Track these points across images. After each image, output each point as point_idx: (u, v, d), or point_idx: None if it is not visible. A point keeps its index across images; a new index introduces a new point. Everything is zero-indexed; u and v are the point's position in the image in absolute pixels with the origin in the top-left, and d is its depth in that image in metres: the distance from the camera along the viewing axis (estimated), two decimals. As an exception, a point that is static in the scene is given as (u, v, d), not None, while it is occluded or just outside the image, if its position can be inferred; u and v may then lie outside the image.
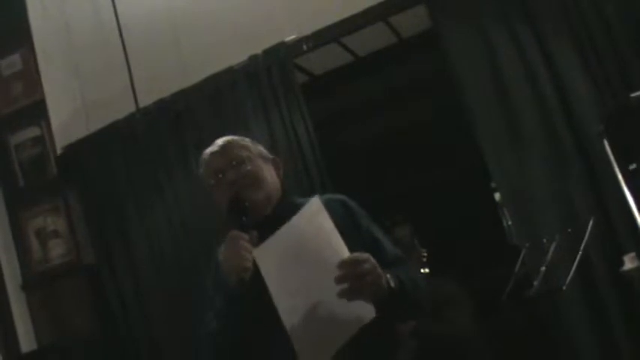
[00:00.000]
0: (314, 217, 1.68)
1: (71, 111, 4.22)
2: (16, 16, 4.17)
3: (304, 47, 3.68)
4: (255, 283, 1.64)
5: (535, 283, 2.42)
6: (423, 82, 4.37)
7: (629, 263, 2.71)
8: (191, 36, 3.95)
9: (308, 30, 3.65)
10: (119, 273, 3.97)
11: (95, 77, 4.20)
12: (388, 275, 1.66)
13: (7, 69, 4.22)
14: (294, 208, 1.71)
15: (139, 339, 3.88)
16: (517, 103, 3.18)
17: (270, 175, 1.90)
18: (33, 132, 4.12)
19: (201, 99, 3.83)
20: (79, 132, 4.12)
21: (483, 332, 3.47)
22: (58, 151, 4.09)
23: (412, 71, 4.41)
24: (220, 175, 1.86)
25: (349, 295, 1.57)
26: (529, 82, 3.16)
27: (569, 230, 2.62)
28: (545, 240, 2.58)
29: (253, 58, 3.71)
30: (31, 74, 4.14)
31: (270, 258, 1.64)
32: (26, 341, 3.97)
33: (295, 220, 1.67)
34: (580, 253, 2.45)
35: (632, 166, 2.57)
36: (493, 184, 3.58)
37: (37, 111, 4.10)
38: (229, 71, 3.77)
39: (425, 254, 3.55)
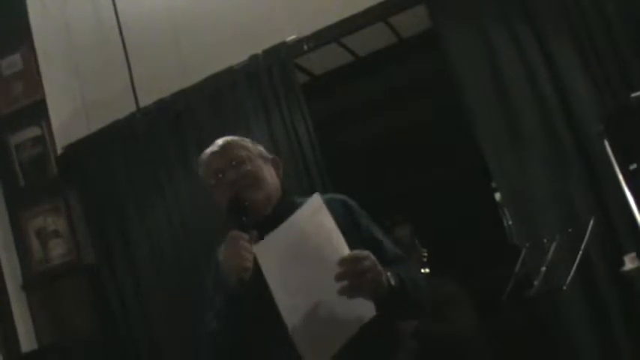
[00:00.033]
0: (314, 214, 1.68)
1: (71, 111, 4.23)
2: (16, 15, 4.18)
3: (304, 47, 3.68)
4: (255, 283, 1.64)
5: (535, 283, 2.42)
6: (423, 82, 4.37)
7: (629, 263, 2.72)
8: (191, 36, 3.95)
9: (308, 30, 3.65)
10: (119, 273, 3.97)
11: (95, 77, 4.20)
12: (388, 273, 1.66)
13: (8, 69, 4.22)
14: (294, 208, 1.71)
15: (139, 339, 3.88)
16: (517, 103, 3.18)
17: (270, 175, 1.90)
18: (33, 132, 4.12)
19: (201, 99, 3.83)
20: (80, 132, 4.12)
21: (483, 332, 3.47)
22: (59, 151, 4.09)
23: (412, 71, 4.41)
24: (220, 175, 1.86)
25: (349, 292, 1.58)
26: (529, 82, 3.16)
27: (570, 230, 2.62)
28: (545, 240, 2.58)
29: (253, 58, 3.71)
30: (31, 74, 4.14)
31: (270, 254, 1.64)
32: (26, 341, 3.97)
33: (296, 216, 1.67)
34: (580, 253, 2.44)
35: (633, 166, 2.57)
36: (493, 184, 3.58)
37: (38, 111, 4.11)
38: (229, 71, 3.77)
39: (425, 254, 3.55)
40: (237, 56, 3.75)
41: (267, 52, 3.69)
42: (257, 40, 3.72)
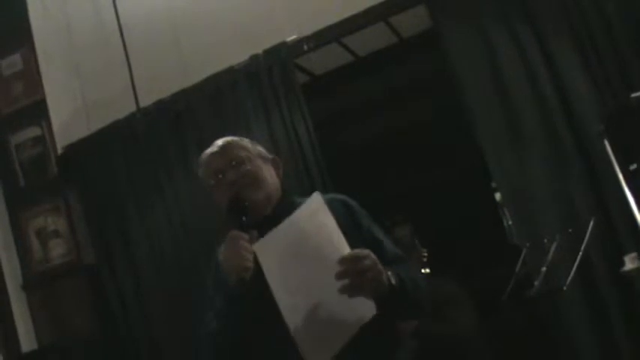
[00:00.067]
0: (315, 214, 1.68)
1: (72, 111, 4.23)
2: (16, 15, 4.18)
3: (305, 47, 3.69)
4: (255, 283, 1.64)
5: (535, 283, 2.42)
6: (424, 82, 4.37)
7: (629, 263, 2.71)
8: (192, 36, 3.95)
9: (308, 30, 3.66)
10: (119, 273, 3.97)
11: (96, 77, 4.20)
12: (389, 272, 1.66)
13: (8, 69, 4.22)
14: (294, 208, 1.71)
15: (139, 339, 3.88)
16: (517, 103, 3.18)
17: (269, 175, 1.90)
18: (33, 132, 4.12)
19: (201, 99, 3.83)
20: (80, 132, 4.13)
21: (484, 332, 3.47)
22: (59, 151, 4.09)
23: (412, 71, 4.41)
24: (220, 176, 1.86)
25: (350, 291, 1.58)
26: (529, 82, 3.16)
27: (570, 230, 2.61)
28: (545, 240, 2.58)
29: (254, 58, 3.71)
30: (31, 74, 4.14)
31: (270, 253, 1.64)
32: (26, 341, 3.97)
33: (296, 215, 1.67)
34: (580, 253, 2.44)
35: (633, 166, 2.57)
36: (493, 184, 3.58)
37: (38, 111, 4.11)
38: (230, 71, 3.77)
39: (425, 254, 3.55)
40: (237, 56, 3.75)
41: (268, 52, 3.69)
42: (257, 40, 3.72)
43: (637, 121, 2.64)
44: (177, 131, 3.89)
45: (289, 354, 1.59)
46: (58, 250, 4.01)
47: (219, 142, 1.93)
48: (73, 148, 4.10)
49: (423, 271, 3.46)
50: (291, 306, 1.61)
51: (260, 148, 1.96)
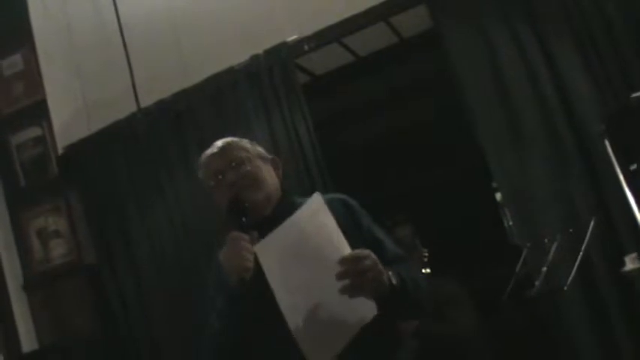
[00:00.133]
0: (315, 214, 1.69)
1: (72, 111, 4.23)
2: (17, 16, 4.18)
3: (305, 47, 3.68)
4: (256, 283, 1.64)
5: (536, 283, 2.42)
6: (424, 82, 4.37)
7: (630, 264, 2.71)
8: (192, 36, 3.95)
9: (309, 30, 3.65)
10: (120, 273, 3.97)
11: (96, 77, 4.20)
12: (390, 272, 1.66)
13: (9, 69, 4.22)
14: (294, 208, 1.71)
15: (140, 339, 3.89)
16: (518, 103, 3.18)
17: (269, 175, 1.90)
18: (34, 132, 4.12)
19: (202, 99, 3.83)
20: (80, 132, 4.13)
21: (484, 332, 3.47)
22: (60, 151, 4.09)
23: (413, 71, 4.41)
24: (220, 177, 1.86)
25: (350, 291, 1.58)
26: (530, 82, 3.16)
27: (571, 230, 2.61)
28: (546, 240, 2.58)
29: (254, 58, 3.71)
30: (32, 74, 4.14)
31: (271, 254, 1.64)
32: (27, 341, 3.97)
33: (297, 216, 1.67)
34: (581, 253, 2.44)
35: (633, 167, 2.57)
36: (494, 184, 3.58)
37: (39, 111, 4.11)
38: (230, 71, 3.77)
39: (426, 254, 3.55)
40: (237, 56, 3.75)
41: (268, 52, 3.69)
42: (258, 40, 3.72)
43: (638, 121, 2.64)
44: (178, 131, 3.89)
45: (290, 354, 1.60)
46: (58, 250, 4.01)
47: (219, 143, 1.93)
48: (73, 149, 4.11)
49: (423, 271, 3.47)
50: (292, 306, 1.61)
51: (259, 149, 1.97)
